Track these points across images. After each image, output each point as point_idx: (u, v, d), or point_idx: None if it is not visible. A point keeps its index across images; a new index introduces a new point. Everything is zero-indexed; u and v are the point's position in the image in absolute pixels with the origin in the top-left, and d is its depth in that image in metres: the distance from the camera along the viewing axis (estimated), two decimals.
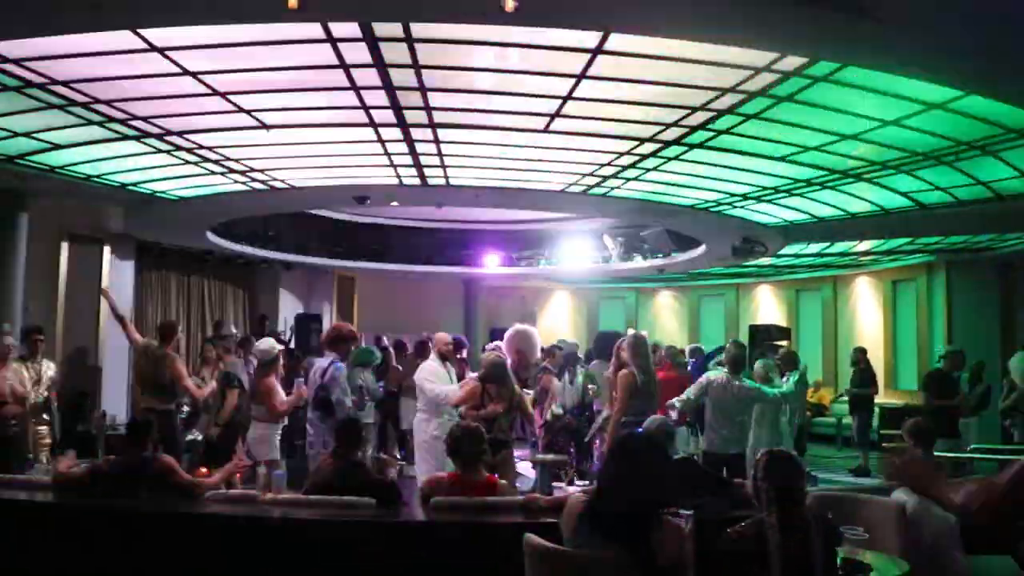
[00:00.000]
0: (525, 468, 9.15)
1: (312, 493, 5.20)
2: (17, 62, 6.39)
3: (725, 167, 9.25)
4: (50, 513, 5.04)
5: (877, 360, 16.09)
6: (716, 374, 7.70)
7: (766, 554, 3.42)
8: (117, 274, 13.39)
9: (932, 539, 4.68)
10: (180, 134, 8.38)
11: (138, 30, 5.80)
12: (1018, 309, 14.10)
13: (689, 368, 10.97)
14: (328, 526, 4.75)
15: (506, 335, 8.61)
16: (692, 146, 8.55)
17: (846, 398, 13.73)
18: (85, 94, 7.17)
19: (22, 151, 8.68)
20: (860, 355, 13.06)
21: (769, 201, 10.73)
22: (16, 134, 8.15)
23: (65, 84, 6.92)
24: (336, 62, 6.46)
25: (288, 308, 17.09)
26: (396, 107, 7.56)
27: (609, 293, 20.60)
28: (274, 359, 7.41)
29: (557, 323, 19.77)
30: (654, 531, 3.63)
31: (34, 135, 8.22)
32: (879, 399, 15.38)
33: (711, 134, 8.14)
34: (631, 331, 8.37)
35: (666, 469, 3.99)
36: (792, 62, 6.20)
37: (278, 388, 7.33)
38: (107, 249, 13.21)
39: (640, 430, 5.68)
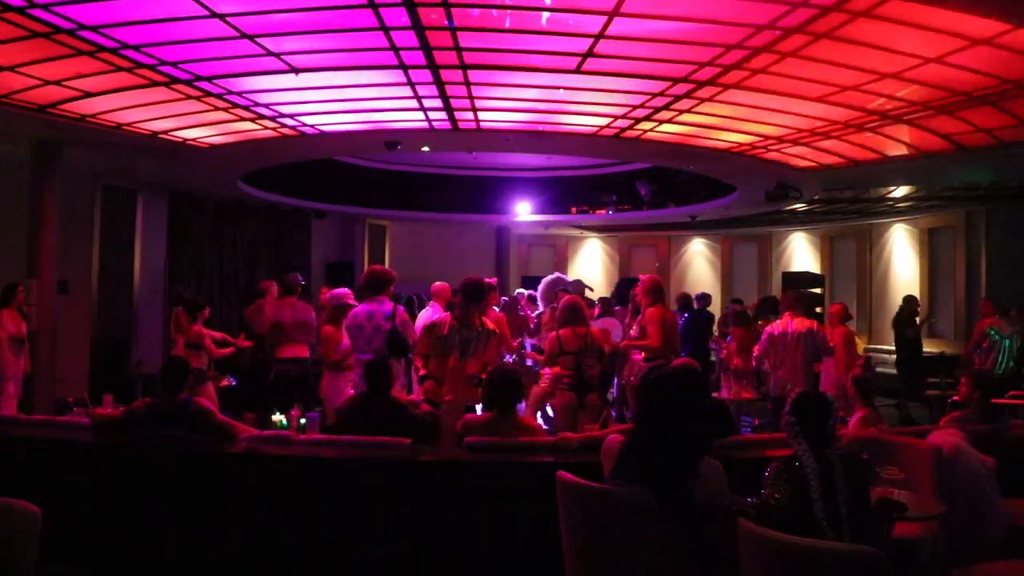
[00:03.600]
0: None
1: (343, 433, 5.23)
2: (46, 7, 6.36)
3: (760, 108, 9.06)
4: (89, 453, 5.13)
5: None
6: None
7: (805, 480, 3.40)
8: (150, 223, 13.51)
9: (969, 483, 4.63)
10: (210, 79, 8.33)
11: None
12: None
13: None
14: (361, 465, 4.78)
15: (544, 282, 8.79)
16: (727, 86, 8.37)
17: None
18: (114, 39, 7.14)
19: (53, 100, 8.68)
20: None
21: (805, 144, 10.53)
22: (47, 82, 8.14)
23: (94, 29, 6.89)
24: (365, 1, 6.37)
25: (319, 257, 17.17)
26: (426, 48, 7.46)
27: (640, 240, 20.47)
28: (342, 308, 7.52)
29: (589, 271, 19.70)
30: (694, 470, 3.62)
31: (64, 83, 8.20)
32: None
33: (747, 74, 7.95)
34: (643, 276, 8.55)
35: (704, 408, 3.96)
36: None
37: (338, 337, 7.43)
38: (140, 199, 13.31)
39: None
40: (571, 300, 7.35)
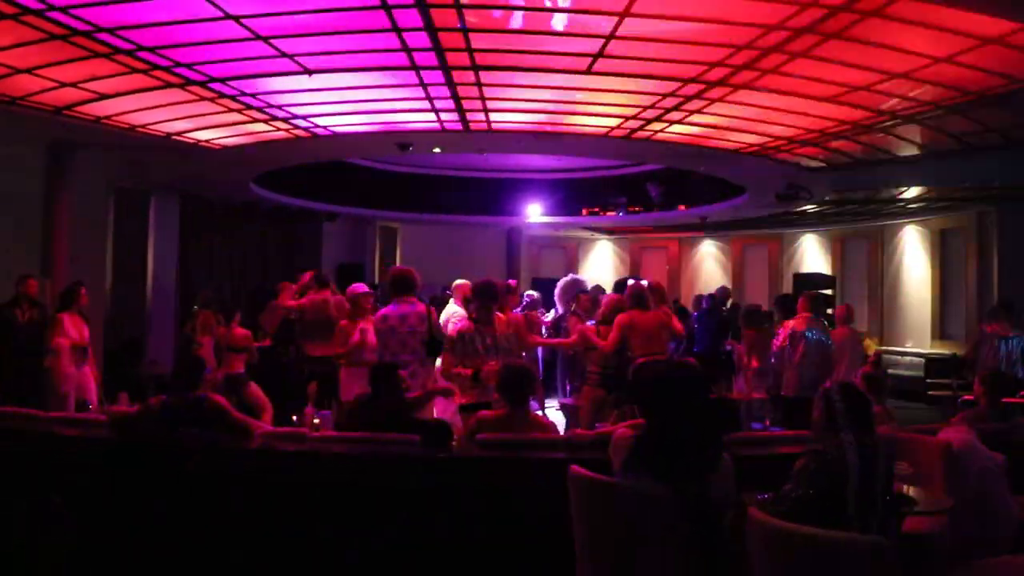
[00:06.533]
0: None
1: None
2: (64, 9, 6.44)
3: (771, 109, 9.08)
4: (104, 450, 5.17)
5: (924, 310, 15.92)
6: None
7: (846, 471, 3.41)
8: (162, 225, 13.60)
9: (978, 479, 4.64)
10: (223, 81, 8.41)
11: None
12: None
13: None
14: (374, 462, 4.82)
15: (561, 284, 8.89)
16: (737, 87, 8.40)
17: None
18: (130, 41, 7.22)
19: (69, 102, 8.77)
20: None
21: (815, 144, 10.54)
22: (63, 84, 8.23)
23: (110, 31, 6.97)
24: (378, 2, 6.43)
25: (330, 259, 17.24)
26: (438, 49, 7.51)
27: (651, 243, 20.48)
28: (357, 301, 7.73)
29: (600, 273, 19.71)
30: (710, 468, 3.64)
31: (80, 85, 8.29)
32: (926, 349, 15.27)
33: (757, 74, 7.98)
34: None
35: (710, 403, 3.99)
36: None
37: (351, 331, 7.59)
38: (153, 200, 13.41)
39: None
40: (614, 299, 7.52)
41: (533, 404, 8.73)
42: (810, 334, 8.00)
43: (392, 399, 5.42)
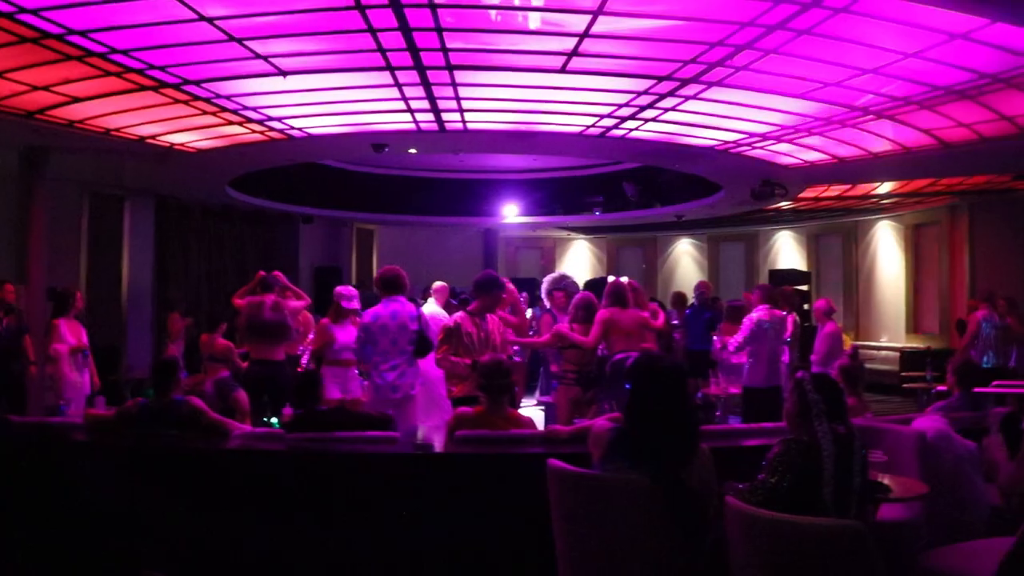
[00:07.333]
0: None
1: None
2: (35, 12, 6.40)
3: (744, 105, 9.16)
4: (83, 453, 5.15)
5: (899, 305, 16.09)
6: None
7: (821, 459, 3.46)
8: (137, 229, 13.53)
9: (953, 466, 4.72)
10: (198, 83, 8.37)
11: None
12: None
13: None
14: (352, 459, 4.83)
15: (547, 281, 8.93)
16: (711, 84, 8.47)
17: None
18: (103, 43, 7.17)
19: (41, 106, 8.70)
20: None
21: (789, 141, 10.64)
22: (35, 88, 8.16)
23: (82, 34, 6.93)
24: (352, 3, 6.43)
25: (307, 262, 17.20)
26: (412, 49, 7.52)
27: (628, 241, 20.58)
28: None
29: (577, 273, 19.73)
30: (689, 457, 3.68)
31: (52, 88, 8.23)
32: (900, 343, 15.43)
33: (730, 71, 8.06)
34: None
35: (689, 394, 4.03)
36: None
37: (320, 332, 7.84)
38: (127, 204, 13.34)
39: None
40: (585, 297, 7.54)
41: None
42: (767, 326, 8.12)
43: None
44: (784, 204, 15.02)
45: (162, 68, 7.88)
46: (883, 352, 15.54)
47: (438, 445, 5.14)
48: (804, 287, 16.18)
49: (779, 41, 7.20)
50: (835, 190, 14.03)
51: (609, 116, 9.86)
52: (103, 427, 5.34)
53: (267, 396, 7.59)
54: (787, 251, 18.93)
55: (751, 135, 10.46)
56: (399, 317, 6.64)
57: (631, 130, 10.47)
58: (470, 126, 10.40)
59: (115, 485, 4.83)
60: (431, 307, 8.34)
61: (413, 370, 6.74)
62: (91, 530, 4.74)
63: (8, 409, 7.93)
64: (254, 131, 10.33)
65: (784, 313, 8.53)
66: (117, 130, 9.78)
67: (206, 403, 5.55)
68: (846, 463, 3.49)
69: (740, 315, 9.44)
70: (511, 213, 16.63)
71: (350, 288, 8.38)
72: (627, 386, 4.01)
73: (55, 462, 5.00)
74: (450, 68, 8.08)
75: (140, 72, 7.93)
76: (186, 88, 8.49)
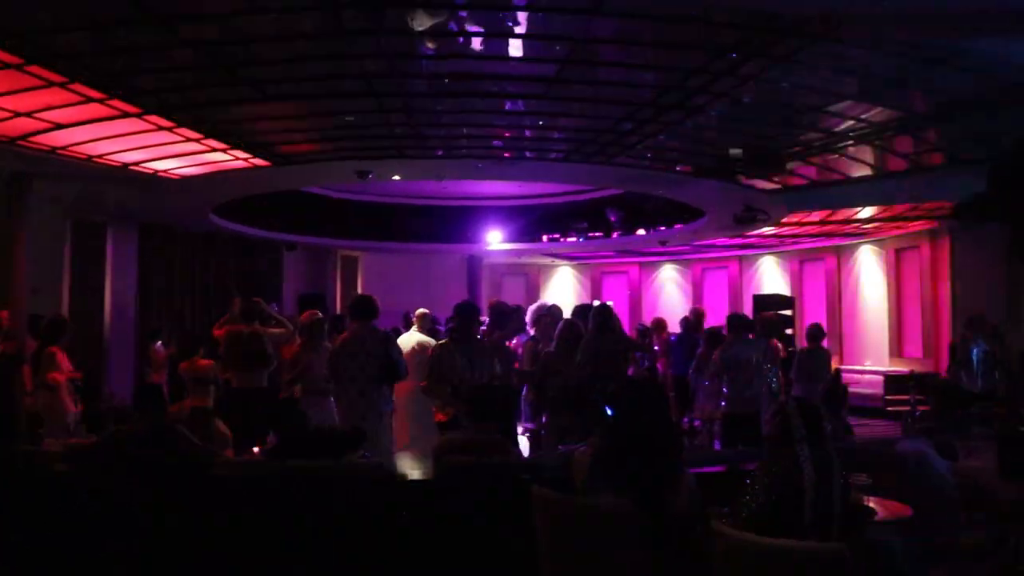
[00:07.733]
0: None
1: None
2: (17, 38, 6.40)
3: (725, 131, 9.23)
4: (65, 482, 5.10)
5: (882, 329, 16.16)
6: None
7: (802, 482, 3.45)
8: (120, 257, 13.46)
9: (934, 488, 4.73)
10: (181, 109, 8.37)
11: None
12: None
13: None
14: (332, 483, 4.79)
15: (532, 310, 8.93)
16: (692, 110, 8.53)
17: None
18: (85, 69, 7.17)
19: (23, 132, 8.67)
20: None
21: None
22: (17, 114, 8.14)
23: (66, 59, 6.93)
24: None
25: (291, 289, 17.15)
26: (396, 74, 7.56)
27: (612, 267, 20.63)
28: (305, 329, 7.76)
29: (561, 299, 19.74)
30: (672, 480, 3.67)
31: (35, 115, 8.21)
32: (884, 367, 15.48)
33: (711, 96, 8.12)
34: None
35: (668, 419, 4.04)
36: None
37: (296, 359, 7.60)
38: (110, 232, 13.28)
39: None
40: (565, 325, 7.52)
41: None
42: (735, 352, 8.18)
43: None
44: (767, 229, 15.08)
45: (144, 94, 7.87)
46: (867, 376, 15.58)
47: (423, 472, 5.12)
48: (787, 312, 16.25)
49: (759, 68, 7.28)
50: (817, 215, 14.11)
51: (591, 142, 9.89)
52: (85, 456, 5.29)
53: (249, 423, 7.55)
54: (770, 276, 18.99)
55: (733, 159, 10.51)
56: (367, 343, 6.65)
57: (612, 157, 10.51)
58: (453, 152, 10.43)
59: (96, 514, 4.79)
60: (414, 335, 8.33)
61: (382, 395, 6.75)
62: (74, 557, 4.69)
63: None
64: (237, 157, 10.31)
65: (756, 339, 8.55)
66: (100, 156, 9.75)
67: (187, 431, 5.50)
68: (826, 488, 3.49)
69: (719, 341, 9.49)
70: (495, 240, 16.63)
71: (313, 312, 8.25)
72: (609, 411, 4.02)
73: (37, 492, 4.95)
74: (434, 95, 8.13)
75: (123, 98, 7.90)
76: (170, 114, 8.48)
